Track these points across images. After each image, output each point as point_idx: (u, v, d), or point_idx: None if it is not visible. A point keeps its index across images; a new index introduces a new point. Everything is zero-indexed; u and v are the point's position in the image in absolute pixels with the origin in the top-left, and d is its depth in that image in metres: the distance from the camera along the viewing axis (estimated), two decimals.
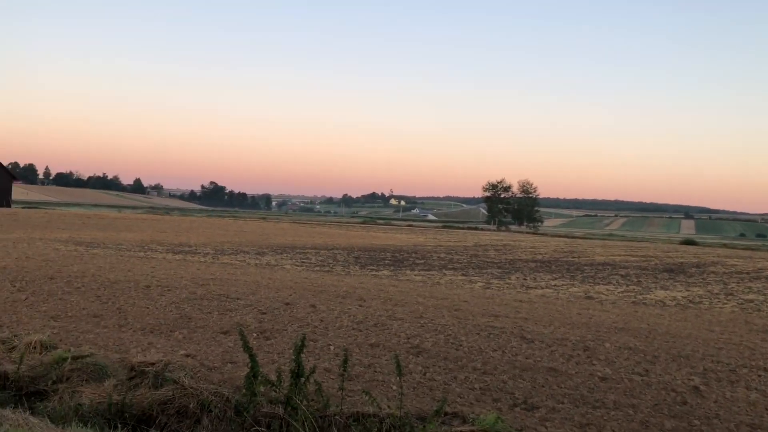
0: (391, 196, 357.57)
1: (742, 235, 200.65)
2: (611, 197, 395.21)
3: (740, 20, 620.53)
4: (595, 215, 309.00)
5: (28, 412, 5.47)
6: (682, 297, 17.48)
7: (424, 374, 7.30)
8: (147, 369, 6.49)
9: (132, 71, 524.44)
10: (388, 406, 5.38)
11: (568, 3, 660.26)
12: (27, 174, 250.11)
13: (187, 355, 7.47)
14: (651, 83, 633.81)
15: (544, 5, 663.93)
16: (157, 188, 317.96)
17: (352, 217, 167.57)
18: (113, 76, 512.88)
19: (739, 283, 23.34)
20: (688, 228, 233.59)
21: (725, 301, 16.93)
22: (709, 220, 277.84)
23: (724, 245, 74.66)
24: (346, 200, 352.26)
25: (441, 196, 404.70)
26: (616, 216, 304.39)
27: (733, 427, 6.00)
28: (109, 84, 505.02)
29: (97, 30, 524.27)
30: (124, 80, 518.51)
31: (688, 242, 75.42)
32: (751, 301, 17.43)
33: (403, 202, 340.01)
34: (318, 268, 20.11)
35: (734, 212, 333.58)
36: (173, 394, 5.93)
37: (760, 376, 8.14)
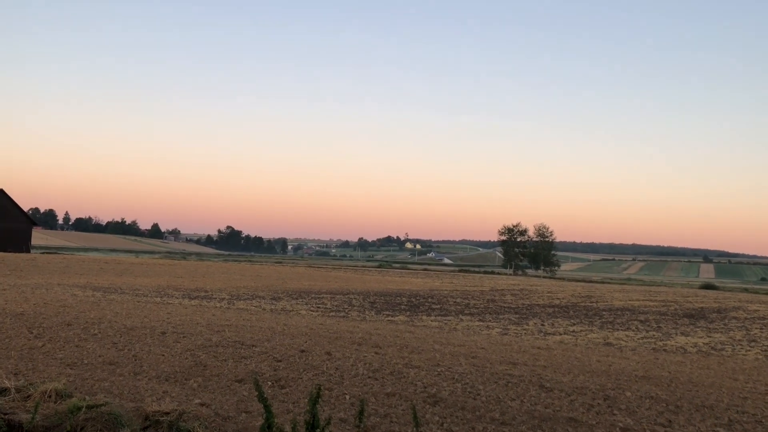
0: (407, 240, 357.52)
1: (764, 279, 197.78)
2: (628, 241, 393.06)
3: (762, 65, 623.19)
4: (613, 259, 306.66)
5: None
6: (704, 343, 17.17)
7: (442, 425, 7.17)
8: (161, 418, 6.44)
9: (149, 117, 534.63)
10: None
11: (585, 45, 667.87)
12: (47, 219, 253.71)
13: (202, 404, 7.41)
14: (669, 126, 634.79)
15: (561, 48, 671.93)
16: (175, 233, 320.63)
17: (368, 260, 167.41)
18: (131, 122, 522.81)
19: (762, 329, 22.89)
20: (707, 272, 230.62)
21: (748, 348, 16.59)
22: (729, 264, 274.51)
23: (745, 290, 73.63)
24: (362, 244, 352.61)
25: (457, 240, 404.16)
26: (633, 260, 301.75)
27: None
28: (128, 130, 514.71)
29: (115, 76, 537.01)
30: (142, 126, 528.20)
31: (708, 287, 74.38)
32: None
33: (418, 246, 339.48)
34: (333, 314, 20.02)
35: (754, 256, 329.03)
36: None
37: None
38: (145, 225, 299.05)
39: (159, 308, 18.72)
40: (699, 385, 10.48)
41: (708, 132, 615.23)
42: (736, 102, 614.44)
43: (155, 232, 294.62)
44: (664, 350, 15.36)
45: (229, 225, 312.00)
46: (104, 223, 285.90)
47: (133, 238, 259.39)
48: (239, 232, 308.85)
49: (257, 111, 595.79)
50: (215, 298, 23.85)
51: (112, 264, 53.83)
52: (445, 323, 19.04)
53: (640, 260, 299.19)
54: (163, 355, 10.68)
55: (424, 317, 20.69)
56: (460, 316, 21.97)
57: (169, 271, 46.43)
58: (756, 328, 22.90)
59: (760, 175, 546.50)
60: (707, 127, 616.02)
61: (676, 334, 19.55)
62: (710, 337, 19.11)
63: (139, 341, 12.02)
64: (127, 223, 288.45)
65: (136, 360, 10.21)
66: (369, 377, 9.62)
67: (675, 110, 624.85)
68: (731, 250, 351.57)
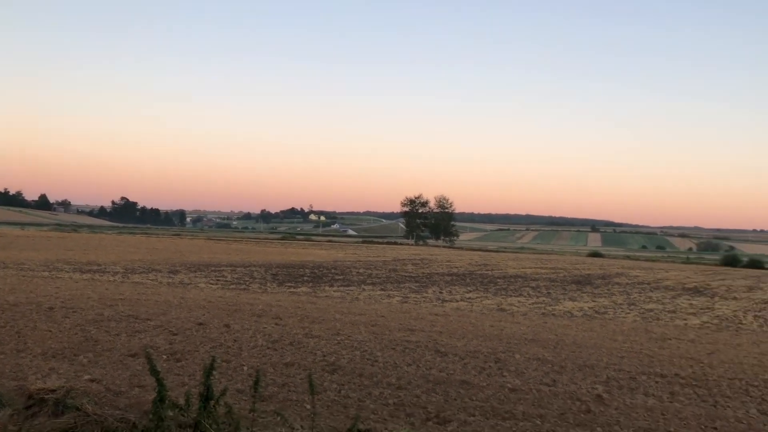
0: (311, 212, 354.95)
1: (644, 247, 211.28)
2: (522, 212, 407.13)
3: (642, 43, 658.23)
4: (508, 229, 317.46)
5: None
6: (589, 308, 18.25)
7: (339, 392, 7.30)
8: (47, 396, 6.17)
9: (35, 78, 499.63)
10: (301, 426, 5.36)
11: (481, 20, 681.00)
12: None
13: (92, 380, 7.17)
14: (556, 102, 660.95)
15: (462, 25, 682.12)
16: (65, 204, 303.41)
17: (271, 233, 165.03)
18: (16, 81, 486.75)
19: (640, 293, 24.61)
20: (594, 241, 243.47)
21: (628, 311, 17.80)
22: (614, 233, 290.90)
23: (628, 257, 78.72)
24: (265, 216, 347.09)
25: (361, 212, 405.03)
26: (527, 229, 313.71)
27: None
28: (12, 91, 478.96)
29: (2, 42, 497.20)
30: (28, 87, 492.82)
31: (595, 254, 79.04)
32: (651, 310, 18.41)
33: (323, 218, 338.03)
34: (234, 287, 19.75)
35: (636, 225, 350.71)
36: (75, 422, 5.66)
37: (657, 382, 8.60)
38: (31, 196, 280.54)
39: (47, 283, 17.83)
40: (582, 347, 11.19)
41: (592, 107, 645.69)
42: (621, 80, 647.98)
43: (43, 203, 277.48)
44: (553, 315, 16.23)
45: (124, 196, 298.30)
46: None
47: (18, 209, 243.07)
48: (134, 204, 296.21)
49: (152, 76, 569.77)
50: (108, 272, 22.94)
51: None
52: (348, 293, 19.23)
53: (533, 230, 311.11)
54: (51, 331, 10.23)
55: (327, 288, 20.80)
56: (363, 286, 22.24)
57: (59, 244, 44.09)
58: (635, 293, 24.60)
59: (642, 149, 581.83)
60: (592, 103, 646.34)
61: (565, 299, 20.68)
62: (595, 301, 20.35)
63: (24, 317, 11.43)
64: (10, 193, 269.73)
65: (19, 337, 9.70)
66: (268, 348, 9.63)
67: (565, 87, 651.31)
68: (617, 220, 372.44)
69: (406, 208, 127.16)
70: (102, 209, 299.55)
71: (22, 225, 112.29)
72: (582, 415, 6.81)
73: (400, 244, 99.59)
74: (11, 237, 52.90)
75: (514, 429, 6.23)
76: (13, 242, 43.85)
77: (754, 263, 64.26)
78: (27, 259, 27.88)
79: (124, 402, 6.27)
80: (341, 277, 26.00)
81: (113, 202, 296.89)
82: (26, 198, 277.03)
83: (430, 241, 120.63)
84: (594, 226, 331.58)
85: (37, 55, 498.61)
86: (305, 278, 24.45)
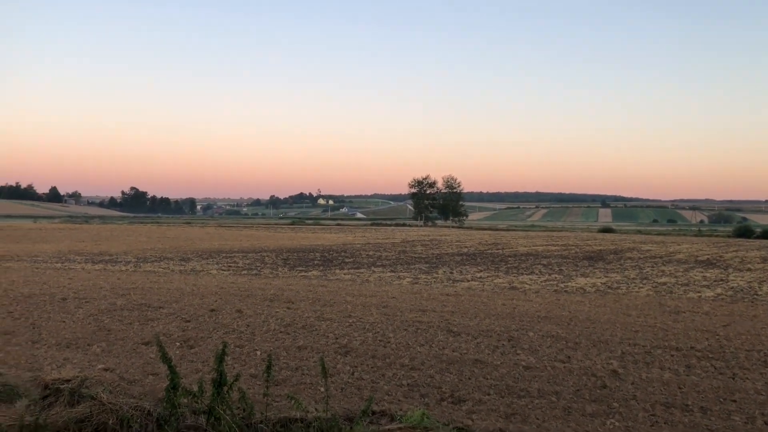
0: (319, 196, 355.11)
1: (655, 221, 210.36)
2: (532, 189, 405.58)
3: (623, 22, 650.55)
4: (518, 207, 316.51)
5: None
6: (602, 283, 18.16)
7: (353, 374, 7.28)
8: (62, 386, 6.18)
9: (42, 74, 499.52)
10: (316, 409, 5.33)
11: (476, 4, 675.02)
12: None
13: (106, 369, 7.19)
14: (564, 78, 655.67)
15: (458, 7, 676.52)
16: (75, 196, 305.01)
17: (281, 218, 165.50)
18: (22, 81, 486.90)
19: (653, 267, 24.47)
20: (605, 216, 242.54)
21: (641, 286, 17.69)
22: (625, 208, 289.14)
23: (639, 232, 78.42)
24: (274, 201, 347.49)
25: (369, 194, 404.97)
26: (537, 207, 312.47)
27: (649, 407, 6.25)
28: (19, 88, 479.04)
29: (6, 34, 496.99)
30: (34, 84, 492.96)
31: (606, 230, 78.75)
32: (664, 284, 18.29)
33: (331, 202, 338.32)
34: (245, 272, 19.79)
35: (647, 200, 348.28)
36: (91, 411, 5.67)
37: (672, 356, 8.53)
38: (42, 189, 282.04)
39: (60, 274, 17.93)
40: (596, 322, 11.12)
41: (604, 86, 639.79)
42: (625, 58, 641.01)
43: (54, 195, 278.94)
44: (565, 291, 16.15)
45: (134, 186, 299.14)
46: None
47: (30, 202, 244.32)
48: (144, 193, 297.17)
49: (159, 66, 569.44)
50: (120, 262, 23.04)
51: (7, 230, 50.92)
52: (358, 276, 19.23)
53: (543, 207, 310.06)
54: (64, 322, 10.28)
55: (337, 271, 20.80)
56: (373, 268, 22.23)
57: (71, 236, 44.37)
58: (648, 267, 24.45)
59: (652, 123, 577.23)
60: (603, 82, 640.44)
61: (577, 275, 20.58)
62: (607, 277, 20.24)
63: (38, 309, 11.50)
64: (22, 187, 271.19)
65: (34, 328, 9.75)
66: (281, 332, 9.63)
67: (572, 64, 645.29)
68: (627, 195, 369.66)
69: (414, 190, 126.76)
70: (112, 200, 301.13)
71: (34, 218, 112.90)
72: (598, 391, 6.76)
73: (409, 225, 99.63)
74: (24, 230, 53.29)
75: (529, 407, 6.19)
76: (26, 235, 44.17)
77: None
78: (40, 251, 28.07)
79: (138, 390, 6.28)
80: (351, 259, 26.01)
81: (123, 193, 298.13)
82: (37, 191, 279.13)
83: (439, 222, 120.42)
84: (604, 201, 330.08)
85: (43, 50, 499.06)
86: (316, 262, 24.47)
